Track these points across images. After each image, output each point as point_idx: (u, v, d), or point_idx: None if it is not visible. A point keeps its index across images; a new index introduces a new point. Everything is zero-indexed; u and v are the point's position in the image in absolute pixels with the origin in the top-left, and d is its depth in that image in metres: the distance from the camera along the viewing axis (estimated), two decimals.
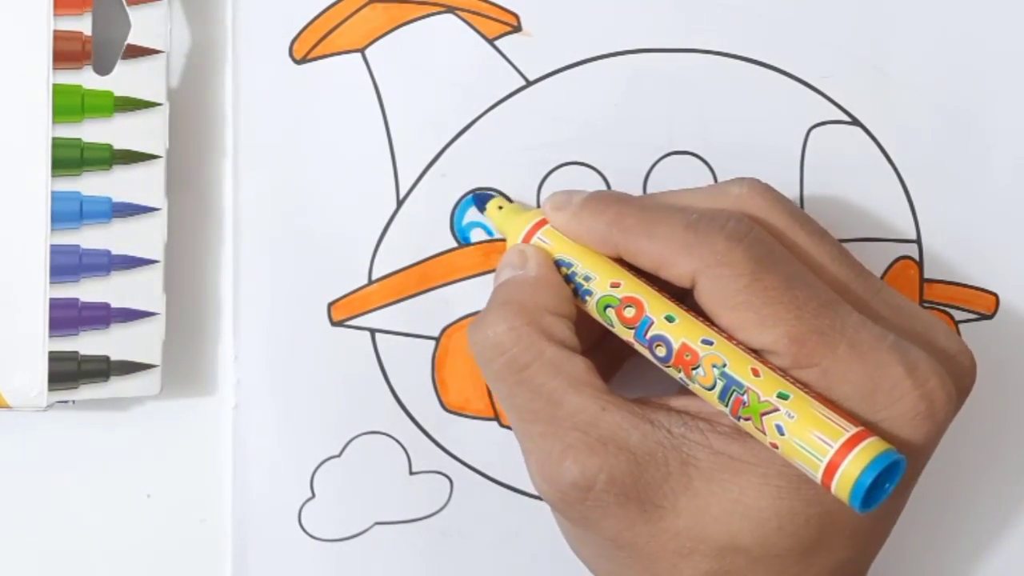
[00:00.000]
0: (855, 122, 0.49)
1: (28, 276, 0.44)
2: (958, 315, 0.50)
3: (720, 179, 0.48)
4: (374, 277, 0.47)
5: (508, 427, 0.48)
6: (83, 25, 0.44)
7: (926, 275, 0.50)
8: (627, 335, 0.42)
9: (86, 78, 0.44)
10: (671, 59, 0.48)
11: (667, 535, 0.41)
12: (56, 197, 0.44)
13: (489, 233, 0.47)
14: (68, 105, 0.44)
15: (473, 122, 0.47)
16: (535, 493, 0.48)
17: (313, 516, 0.47)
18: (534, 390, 0.42)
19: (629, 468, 0.41)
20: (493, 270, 0.47)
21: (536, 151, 0.48)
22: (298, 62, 0.47)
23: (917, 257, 0.50)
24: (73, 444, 0.47)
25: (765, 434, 0.40)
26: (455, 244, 0.48)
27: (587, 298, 0.43)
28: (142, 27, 0.44)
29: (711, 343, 0.41)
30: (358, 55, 0.47)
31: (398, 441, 0.48)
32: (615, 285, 0.42)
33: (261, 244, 0.47)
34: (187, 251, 0.47)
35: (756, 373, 0.40)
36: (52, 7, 0.44)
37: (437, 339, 0.48)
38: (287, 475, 0.47)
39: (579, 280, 0.43)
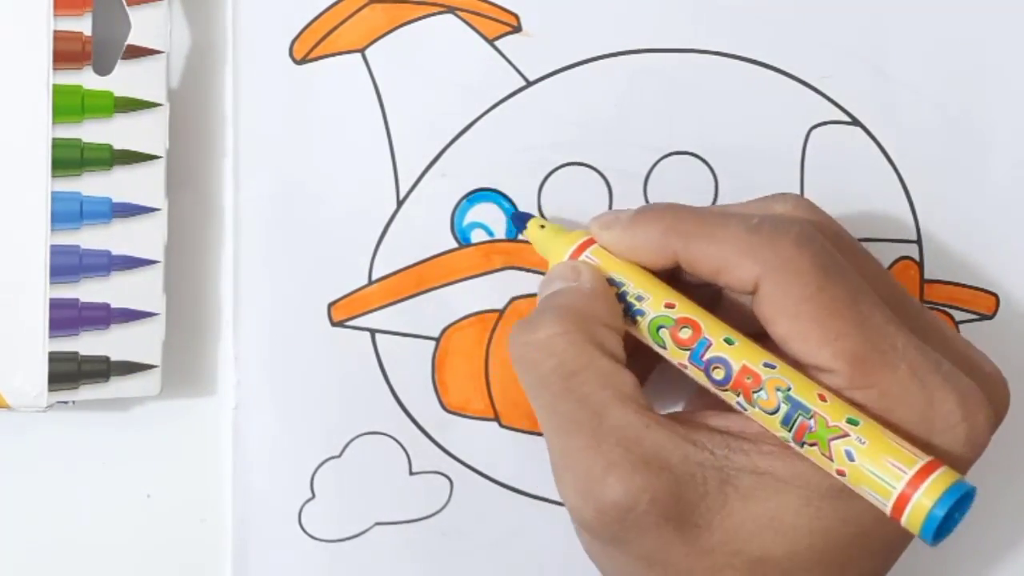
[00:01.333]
0: (855, 122, 0.49)
1: (28, 276, 0.44)
2: (958, 315, 0.50)
3: (720, 179, 0.48)
4: (374, 277, 0.47)
5: (508, 427, 0.48)
6: (83, 25, 0.44)
7: (926, 275, 0.50)
8: (680, 356, 0.41)
9: (86, 78, 0.44)
10: (671, 59, 0.48)
11: (701, 552, 0.40)
12: (56, 197, 0.44)
13: (489, 233, 0.47)
14: (68, 105, 0.44)
15: (473, 122, 0.47)
16: (535, 493, 0.48)
17: (313, 516, 0.47)
18: (580, 399, 0.41)
19: (671, 489, 0.40)
20: (493, 270, 0.47)
21: (536, 151, 0.48)
22: (298, 62, 0.47)
23: (917, 257, 0.50)
24: (73, 444, 0.47)
25: (832, 460, 0.39)
26: (455, 244, 0.48)
27: (639, 318, 0.42)
28: (142, 27, 0.44)
29: (773, 367, 0.40)
30: (358, 55, 0.47)
31: (398, 441, 0.48)
32: (669, 305, 0.42)
33: (261, 244, 0.47)
34: (187, 251, 0.47)
35: (823, 398, 0.39)
36: (52, 7, 0.44)
37: (437, 339, 0.48)
38: (287, 475, 0.47)
39: (630, 300, 0.42)
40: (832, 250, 0.41)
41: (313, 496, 0.47)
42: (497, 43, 0.47)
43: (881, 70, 0.49)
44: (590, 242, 0.44)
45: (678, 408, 0.47)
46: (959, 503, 0.38)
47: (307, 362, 0.47)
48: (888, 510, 0.38)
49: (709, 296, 0.44)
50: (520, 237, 0.47)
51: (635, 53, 0.48)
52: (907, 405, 0.40)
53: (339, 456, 0.47)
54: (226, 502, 0.47)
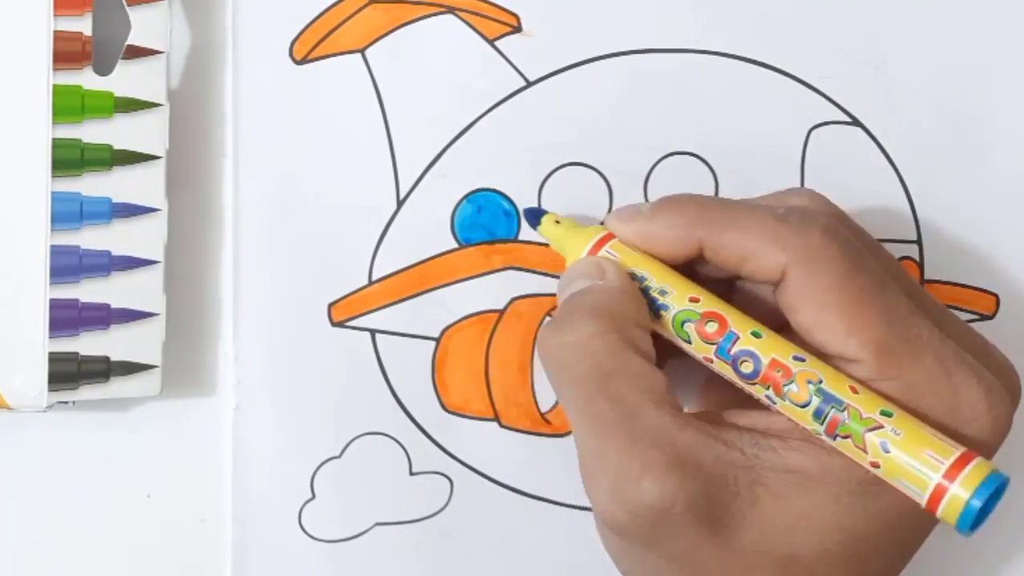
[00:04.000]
0: (855, 122, 0.49)
1: (28, 276, 0.44)
2: (958, 315, 0.50)
3: (720, 179, 0.48)
4: (374, 277, 0.47)
5: (508, 427, 0.48)
6: (83, 25, 0.44)
7: (926, 275, 0.50)
8: (705, 351, 0.41)
9: (86, 78, 0.44)
10: (671, 59, 0.48)
11: (732, 553, 0.40)
12: (56, 198, 0.44)
13: (490, 234, 0.47)
14: (68, 105, 0.44)
15: (473, 122, 0.47)
16: (535, 493, 0.48)
17: (313, 517, 0.47)
18: (615, 401, 0.40)
19: (704, 489, 0.39)
20: (493, 270, 0.47)
21: (536, 151, 0.48)
22: (298, 62, 0.47)
23: (917, 257, 0.50)
24: (73, 444, 0.47)
25: (866, 453, 0.39)
26: (455, 244, 0.48)
27: (662, 313, 0.42)
28: (142, 27, 0.44)
29: (803, 359, 0.40)
30: (358, 55, 0.47)
31: (398, 441, 0.48)
32: (694, 300, 0.41)
33: (261, 244, 0.47)
34: (187, 251, 0.47)
35: (855, 390, 0.39)
36: (52, 7, 0.44)
37: (437, 339, 0.48)
38: (287, 475, 0.47)
39: (654, 294, 0.42)
40: (856, 242, 0.41)
41: (313, 496, 0.47)
42: (497, 43, 0.47)
43: (881, 70, 0.49)
44: (608, 237, 0.44)
45: (689, 403, 0.47)
46: (994, 494, 0.38)
47: (307, 362, 0.47)
48: (924, 501, 0.38)
49: (722, 291, 0.43)
50: (520, 237, 0.47)
51: (635, 53, 0.48)
52: (934, 395, 0.40)
53: (339, 456, 0.47)
54: (226, 502, 0.47)
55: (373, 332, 0.47)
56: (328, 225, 0.47)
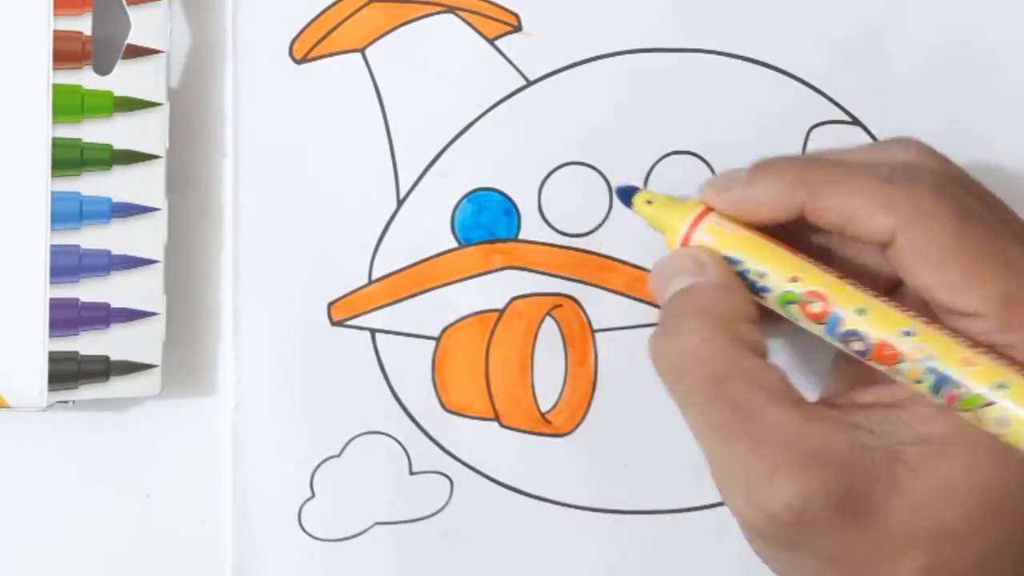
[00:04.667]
0: (855, 122, 0.49)
1: (28, 276, 0.44)
2: None
3: None
4: (374, 277, 0.47)
5: (508, 427, 0.48)
6: (83, 25, 0.44)
7: None
8: (816, 330, 0.41)
9: (86, 78, 0.44)
10: (671, 59, 0.48)
11: (882, 538, 0.39)
12: (56, 197, 0.44)
13: (489, 233, 0.47)
14: (68, 105, 0.44)
15: (473, 122, 0.47)
16: (535, 493, 0.48)
17: (313, 516, 0.47)
18: (733, 404, 0.39)
19: (841, 480, 0.38)
20: (493, 270, 0.47)
21: (536, 151, 0.48)
22: (298, 62, 0.47)
23: None
24: (73, 444, 0.47)
25: (984, 424, 0.39)
26: (455, 244, 0.48)
27: (764, 294, 0.41)
28: (142, 27, 0.44)
29: (912, 333, 0.39)
30: (358, 55, 0.47)
31: (398, 441, 0.48)
32: (795, 279, 0.41)
33: (261, 244, 0.47)
34: (187, 251, 0.47)
35: (968, 363, 0.39)
36: (52, 7, 0.44)
37: (437, 339, 0.48)
38: (287, 475, 0.47)
39: (753, 277, 0.41)
40: (967, 196, 0.40)
41: (313, 496, 0.47)
42: (497, 43, 0.47)
43: (881, 70, 0.49)
44: (706, 212, 0.42)
45: (815, 382, 0.46)
46: None
47: (307, 362, 0.47)
48: None
49: (820, 247, 0.43)
50: (520, 236, 0.47)
51: (635, 53, 0.48)
52: None
53: (339, 456, 0.47)
54: (226, 502, 0.47)
55: (373, 331, 0.47)
56: (328, 224, 0.47)
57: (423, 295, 0.47)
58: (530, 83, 0.47)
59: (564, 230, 0.48)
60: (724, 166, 0.48)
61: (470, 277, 0.47)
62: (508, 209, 0.47)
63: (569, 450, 0.48)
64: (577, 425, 0.48)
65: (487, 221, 0.47)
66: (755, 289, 0.41)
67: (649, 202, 0.44)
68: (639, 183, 0.48)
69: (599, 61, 0.48)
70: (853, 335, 0.40)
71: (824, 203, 0.41)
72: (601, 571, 0.48)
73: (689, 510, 0.48)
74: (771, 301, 0.41)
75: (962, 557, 0.39)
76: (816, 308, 0.40)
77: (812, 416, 0.39)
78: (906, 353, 0.39)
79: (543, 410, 0.48)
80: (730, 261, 0.42)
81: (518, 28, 0.47)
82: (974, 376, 0.39)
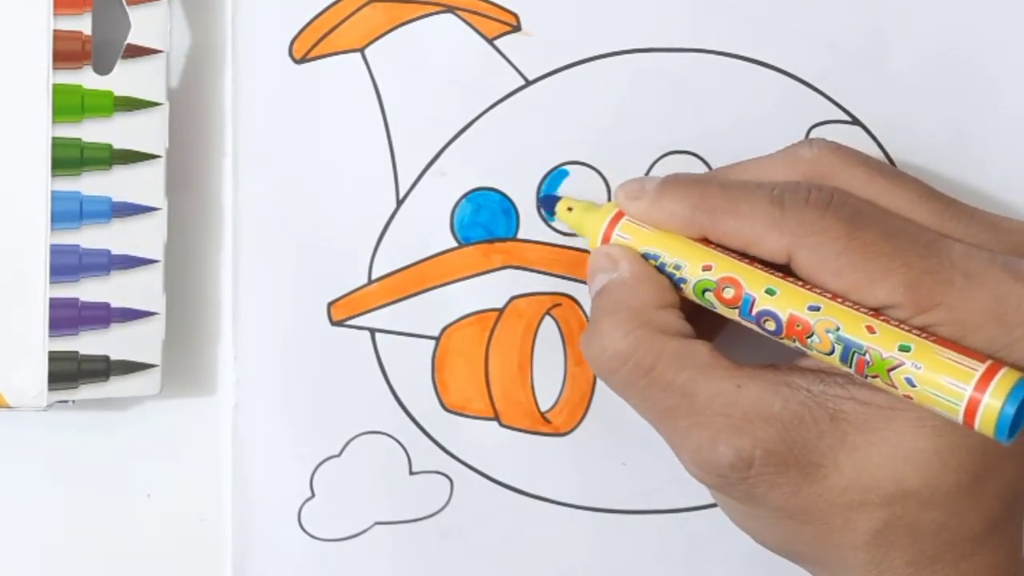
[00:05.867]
0: (855, 122, 0.49)
1: (28, 276, 0.44)
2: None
3: None
4: (374, 277, 0.47)
5: (508, 427, 0.48)
6: (83, 25, 0.44)
7: None
8: (732, 314, 0.42)
9: (86, 78, 0.44)
10: (671, 59, 0.48)
11: (834, 492, 0.41)
12: (56, 197, 0.44)
13: (489, 233, 0.47)
14: (68, 105, 0.44)
15: (473, 122, 0.47)
16: (535, 493, 0.48)
17: (313, 516, 0.47)
18: (666, 388, 0.42)
19: (781, 436, 0.41)
20: (493, 269, 0.47)
21: (536, 151, 0.48)
22: (298, 62, 0.47)
23: None
24: (73, 444, 0.47)
25: (896, 388, 0.40)
26: (455, 244, 0.48)
27: (682, 286, 0.43)
28: (142, 27, 0.44)
29: (818, 308, 0.41)
30: (358, 55, 0.47)
31: (398, 441, 0.48)
32: (707, 268, 0.43)
33: (261, 243, 0.47)
34: (187, 251, 0.47)
35: (872, 330, 0.40)
36: (52, 7, 0.44)
37: (437, 339, 0.48)
38: (287, 475, 0.47)
39: (670, 270, 0.43)
40: (853, 200, 0.42)
41: (313, 495, 0.47)
42: (497, 42, 0.47)
43: (881, 70, 0.49)
44: (620, 215, 0.44)
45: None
46: None
47: (307, 361, 0.47)
48: (960, 419, 0.39)
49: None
50: (519, 236, 0.47)
51: (635, 53, 0.48)
52: (975, 310, 0.40)
53: (339, 455, 0.47)
54: (226, 502, 0.47)
55: (373, 331, 0.47)
56: (327, 224, 0.47)
57: (423, 295, 0.47)
58: (529, 83, 0.47)
59: (563, 229, 0.48)
60: (723, 165, 0.48)
61: (469, 277, 0.47)
62: (507, 209, 0.47)
63: (569, 450, 0.48)
64: (577, 424, 0.48)
65: (486, 221, 0.47)
66: (674, 282, 0.43)
67: (570, 208, 0.46)
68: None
69: (598, 61, 0.48)
70: (765, 314, 0.42)
71: (723, 229, 0.43)
72: (600, 571, 0.48)
73: (689, 510, 0.48)
74: (689, 292, 0.43)
75: (927, 519, 0.41)
76: (729, 294, 0.42)
77: (745, 382, 0.41)
78: (814, 326, 0.41)
79: (543, 409, 0.48)
80: (648, 257, 0.44)
81: (517, 28, 0.47)
82: (877, 342, 0.40)
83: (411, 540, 0.48)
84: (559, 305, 0.48)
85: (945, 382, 0.39)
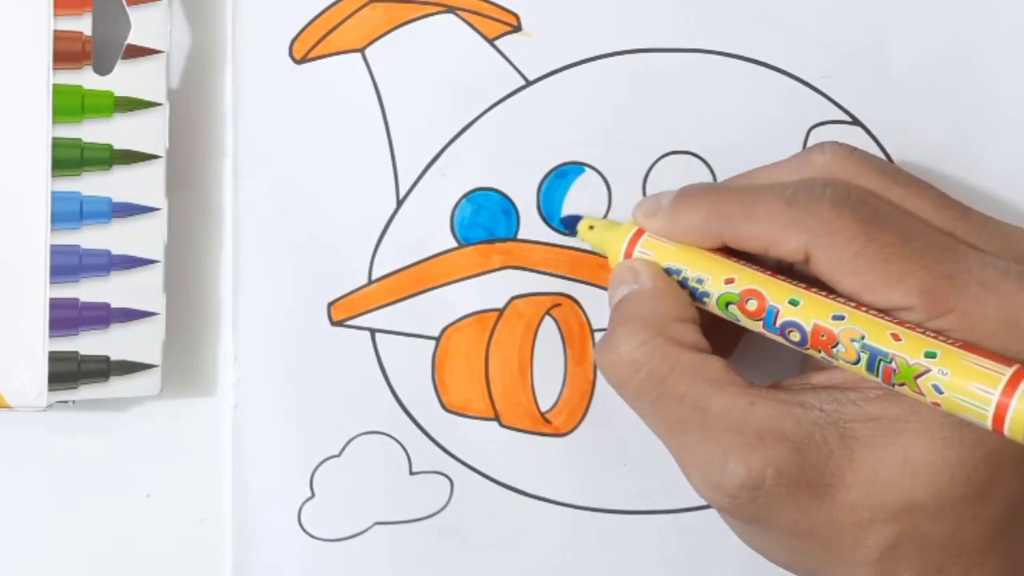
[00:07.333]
0: (855, 122, 0.49)
1: (28, 276, 0.44)
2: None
3: (720, 179, 0.48)
4: (374, 277, 0.47)
5: (508, 427, 0.48)
6: (83, 25, 0.44)
7: None
8: (756, 327, 0.42)
9: (86, 78, 0.44)
10: (671, 59, 0.48)
11: (843, 511, 0.41)
12: (56, 197, 0.44)
13: (489, 233, 0.47)
14: (68, 105, 0.44)
15: (473, 122, 0.47)
16: (535, 493, 0.48)
17: (313, 516, 0.47)
18: (678, 400, 0.42)
19: (792, 456, 0.40)
20: (493, 270, 0.47)
21: (536, 151, 0.48)
22: (298, 62, 0.47)
23: None
24: (73, 444, 0.47)
25: (924, 395, 0.40)
26: (455, 244, 0.48)
27: (705, 299, 0.43)
28: (142, 27, 0.44)
29: (843, 317, 0.41)
30: (358, 55, 0.47)
31: (398, 441, 0.48)
32: (729, 281, 0.43)
33: (261, 244, 0.47)
34: (187, 251, 0.47)
35: (897, 337, 0.40)
36: (52, 7, 0.44)
37: (437, 339, 0.48)
38: (287, 475, 0.47)
39: (692, 284, 0.43)
40: (872, 199, 0.42)
41: (313, 495, 0.47)
42: (497, 42, 0.47)
43: (881, 70, 0.49)
44: (640, 232, 0.45)
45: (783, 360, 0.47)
46: None
47: (307, 362, 0.47)
48: (989, 426, 0.39)
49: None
50: (519, 236, 0.47)
51: (635, 53, 0.48)
52: (989, 319, 0.40)
53: (339, 455, 0.47)
54: (226, 502, 0.47)
55: (373, 331, 0.47)
56: (328, 224, 0.47)
57: (423, 295, 0.47)
58: (529, 83, 0.47)
59: (563, 229, 0.48)
60: (724, 166, 0.48)
61: (469, 277, 0.47)
62: (507, 209, 0.47)
63: (569, 450, 0.48)
64: (577, 425, 0.48)
65: (486, 221, 0.47)
66: (697, 296, 0.43)
67: (591, 227, 0.46)
68: (638, 183, 0.48)
69: (598, 61, 0.48)
70: (790, 325, 0.41)
71: (740, 233, 0.43)
72: (600, 571, 0.48)
73: (688, 510, 0.48)
74: (712, 305, 0.43)
75: (934, 532, 0.41)
76: (752, 306, 0.42)
77: (758, 400, 0.41)
78: (839, 335, 0.41)
79: (543, 410, 0.48)
80: (671, 271, 0.44)
81: (518, 28, 0.47)
82: (903, 349, 0.40)
83: (411, 540, 0.48)
84: (559, 305, 0.48)
85: (974, 388, 0.39)
